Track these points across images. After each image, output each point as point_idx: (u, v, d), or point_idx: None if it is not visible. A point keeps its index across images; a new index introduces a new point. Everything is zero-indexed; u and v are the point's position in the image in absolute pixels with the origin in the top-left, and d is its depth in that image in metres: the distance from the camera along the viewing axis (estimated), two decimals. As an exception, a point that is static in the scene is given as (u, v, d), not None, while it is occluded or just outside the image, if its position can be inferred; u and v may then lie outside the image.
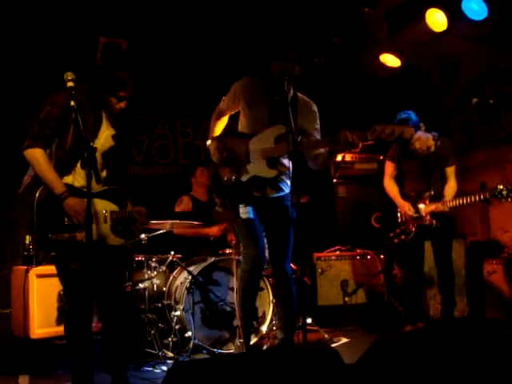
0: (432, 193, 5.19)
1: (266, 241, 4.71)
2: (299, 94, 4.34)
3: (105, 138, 3.71)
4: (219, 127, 4.46)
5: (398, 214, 5.33)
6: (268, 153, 4.14)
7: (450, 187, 5.24)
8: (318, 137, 4.33)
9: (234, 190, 4.20)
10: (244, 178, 4.19)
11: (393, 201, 5.36)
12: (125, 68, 3.62)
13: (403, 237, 5.26)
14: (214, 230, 5.92)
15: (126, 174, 3.81)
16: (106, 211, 3.62)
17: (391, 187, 5.40)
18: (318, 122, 4.39)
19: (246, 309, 4.38)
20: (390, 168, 5.46)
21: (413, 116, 5.09)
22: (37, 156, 3.48)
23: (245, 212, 4.22)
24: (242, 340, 4.42)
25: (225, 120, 4.47)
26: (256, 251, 4.25)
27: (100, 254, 3.52)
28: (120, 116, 3.78)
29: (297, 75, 4.17)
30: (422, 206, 5.18)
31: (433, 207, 5.12)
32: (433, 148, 5.25)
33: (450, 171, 5.29)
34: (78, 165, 3.50)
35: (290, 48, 4.19)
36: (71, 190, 3.51)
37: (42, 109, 3.53)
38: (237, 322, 4.45)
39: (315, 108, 4.40)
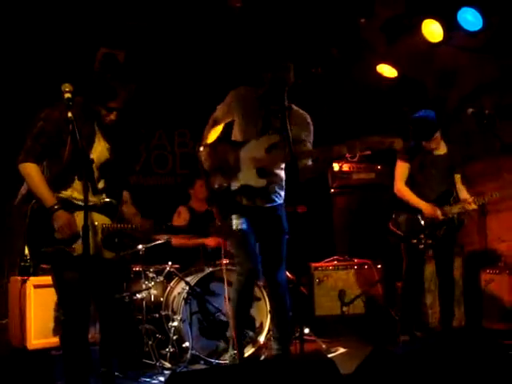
0: (455, 194, 5.17)
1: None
2: (293, 106, 4.31)
3: (100, 151, 3.71)
4: (212, 135, 4.43)
5: (420, 219, 5.09)
6: (258, 162, 4.14)
7: (463, 191, 5.24)
8: (307, 145, 4.30)
9: (224, 197, 4.20)
10: (234, 187, 4.19)
11: (412, 204, 5.10)
12: (116, 78, 3.63)
13: (430, 241, 5.08)
14: (211, 241, 5.92)
15: (129, 186, 3.86)
16: (97, 224, 3.62)
17: (407, 191, 5.15)
18: (312, 134, 4.35)
19: (240, 320, 4.37)
20: (403, 169, 5.21)
21: (431, 114, 5.04)
22: (29, 170, 3.53)
23: (238, 223, 4.19)
24: (235, 351, 4.40)
25: (219, 128, 4.44)
26: (249, 263, 4.21)
27: (92, 265, 3.50)
28: (114, 128, 3.78)
29: (292, 83, 4.18)
30: (447, 207, 5.10)
31: (460, 208, 5.09)
32: (445, 151, 5.23)
33: (458, 177, 5.29)
34: (76, 178, 3.51)
35: (285, 58, 4.20)
36: (63, 203, 3.52)
37: (36, 123, 3.55)
38: (230, 332, 4.43)
39: (310, 120, 4.37)
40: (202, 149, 4.34)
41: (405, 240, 5.17)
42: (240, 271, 4.28)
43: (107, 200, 3.70)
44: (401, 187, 5.19)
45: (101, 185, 3.71)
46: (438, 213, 5.07)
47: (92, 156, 3.63)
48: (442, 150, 5.22)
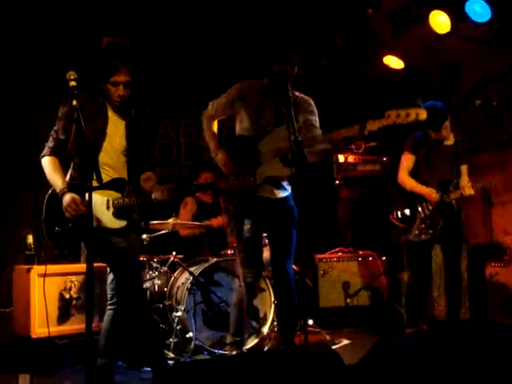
0: (455, 182, 5.17)
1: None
2: (296, 93, 4.31)
3: (120, 135, 3.86)
4: (215, 133, 4.41)
5: (420, 210, 5.13)
6: (281, 151, 4.13)
7: (466, 181, 5.26)
8: (317, 127, 4.33)
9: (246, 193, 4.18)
10: (258, 181, 4.17)
11: (413, 191, 5.14)
12: (115, 55, 3.74)
13: (431, 231, 5.10)
14: (215, 221, 5.91)
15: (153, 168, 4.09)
16: (108, 200, 3.78)
17: (408, 179, 5.21)
18: (317, 116, 4.40)
19: (240, 318, 4.41)
20: (408, 161, 5.25)
21: (439, 104, 5.05)
22: (45, 163, 3.82)
23: (248, 230, 4.22)
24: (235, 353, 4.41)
25: (215, 124, 4.45)
26: (254, 270, 4.35)
27: (104, 237, 3.70)
28: (128, 105, 3.87)
29: (296, 75, 4.16)
30: (445, 196, 5.10)
31: (458, 194, 5.09)
32: (452, 141, 5.23)
33: (465, 168, 5.30)
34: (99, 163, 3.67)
35: (291, 50, 4.18)
36: (72, 186, 3.73)
37: (56, 120, 3.83)
38: (229, 337, 4.44)
39: (312, 103, 4.41)
40: (216, 154, 4.28)
41: (406, 232, 5.19)
42: (244, 277, 4.36)
43: (115, 178, 3.84)
44: (404, 176, 5.24)
45: (128, 170, 3.89)
46: (435, 196, 5.06)
47: (114, 141, 3.83)
48: (450, 140, 5.23)
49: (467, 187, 5.08)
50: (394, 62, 6.60)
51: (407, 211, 5.19)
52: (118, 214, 3.78)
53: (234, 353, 4.35)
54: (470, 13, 5.59)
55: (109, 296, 3.90)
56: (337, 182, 7.19)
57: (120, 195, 3.79)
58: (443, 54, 6.44)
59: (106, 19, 6.12)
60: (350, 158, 7.13)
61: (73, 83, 3.37)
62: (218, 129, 4.51)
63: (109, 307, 3.89)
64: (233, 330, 4.40)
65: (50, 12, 5.85)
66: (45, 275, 4.42)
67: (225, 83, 4.46)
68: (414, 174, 5.23)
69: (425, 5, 5.91)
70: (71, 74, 3.37)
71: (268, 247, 4.60)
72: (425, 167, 5.23)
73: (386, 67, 6.65)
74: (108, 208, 3.76)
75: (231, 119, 4.47)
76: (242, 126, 4.33)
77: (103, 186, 3.63)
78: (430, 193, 5.10)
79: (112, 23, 6.19)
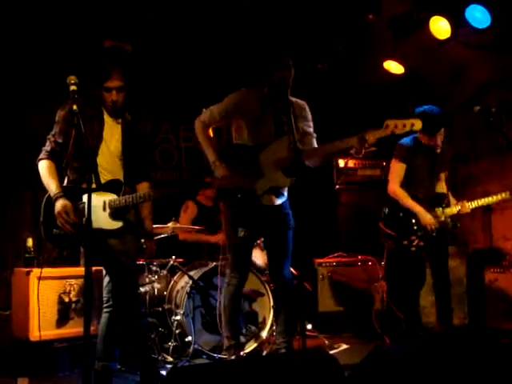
0: (449, 196, 5.14)
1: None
2: (292, 98, 4.31)
3: (117, 139, 3.88)
4: (213, 141, 4.39)
5: (413, 221, 5.02)
6: (284, 162, 4.13)
7: (449, 194, 5.22)
8: (311, 133, 4.35)
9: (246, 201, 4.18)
10: (259, 192, 4.17)
11: (407, 207, 5.02)
12: (106, 60, 3.77)
13: (422, 243, 5.01)
14: (216, 238, 5.91)
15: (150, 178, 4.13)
16: (104, 201, 3.78)
17: (403, 193, 5.05)
18: (311, 121, 4.41)
19: (232, 323, 4.41)
20: (399, 169, 5.10)
21: (436, 109, 4.98)
22: (41, 166, 3.84)
23: (241, 237, 4.24)
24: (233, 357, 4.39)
25: (210, 132, 4.44)
26: (240, 274, 4.36)
27: (101, 239, 3.73)
28: (124, 109, 3.90)
29: (292, 79, 4.19)
30: (440, 209, 5.05)
31: (454, 210, 5.04)
32: (440, 150, 5.17)
33: (445, 176, 5.24)
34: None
35: (287, 54, 4.19)
36: (69, 189, 3.78)
37: (53, 124, 3.86)
38: (226, 342, 4.43)
39: (307, 107, 4.42)
40: (215, 166, 4.23)
41: (396, 241, 5.13)
42: (229, 279, 4.39)
43: (111, 179, 3.86)
44: (396, 189, 5.09)
45: (125, 173, 3.89)
46: (434, 226, 4.96)
47: (110, 145, 3.85)
48: (440, 148, 5.17)
49: (464, 206, 5.02)
50: (394, 67, 6.61)
51: (399, 220, 5.11)
52: (114, 215, 3.79)
53: (233, 357, 4.34)
54: (470, 19, 5.60)
55: (104, 299, 3.91)
56: (337, 186, 7.20)
57: (116, 196, 3.81)
58: (443, 60, 6.45)
59: (109, 23, 6.13)
60: (350, 163, 7.14)
61: (73, 88, 3.38)
62: (215, 136, 4.50)
63: (105, 310, 3.90)
64: (227, 334, 4.39)
65: (51, 13, 5.85)
66: (40, 278, 4.44)
67: (224, 88, 4.46)
68: (404, 182, 5.11)
69: (425, 10, 5.92)
70: (72, 79, 3.39)
71: (265, 252, 4.61)
72: (415, 177, 5.11)
73: (387, 72, 6.65)
74: (104, 209, 3.78)
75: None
76: (240, 135, 4.32)
77: (99, 188, 3.65)
78: (427, 220, 4.96)
79: (114, 27, 6.20)
